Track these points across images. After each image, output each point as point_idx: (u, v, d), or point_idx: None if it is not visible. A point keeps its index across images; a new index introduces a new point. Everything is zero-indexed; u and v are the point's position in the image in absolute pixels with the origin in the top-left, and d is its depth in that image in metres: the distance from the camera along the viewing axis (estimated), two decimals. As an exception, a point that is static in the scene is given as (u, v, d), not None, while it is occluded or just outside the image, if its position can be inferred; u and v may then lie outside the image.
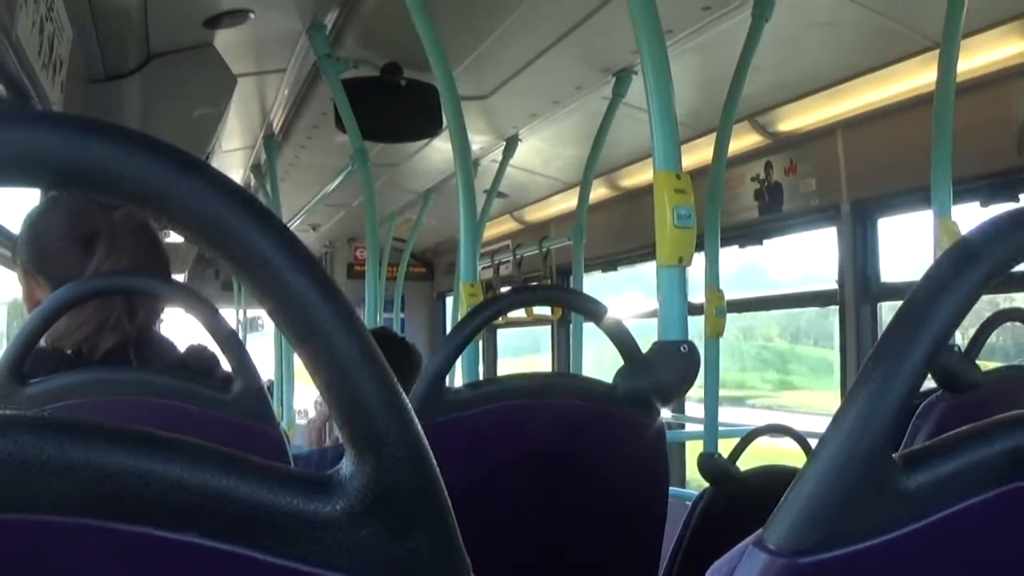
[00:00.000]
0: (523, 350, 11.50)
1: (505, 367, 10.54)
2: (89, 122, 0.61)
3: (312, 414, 13.29)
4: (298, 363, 8.91)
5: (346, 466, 0.65)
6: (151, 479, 0.60)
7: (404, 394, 0.66)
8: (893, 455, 0.78)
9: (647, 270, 8.07)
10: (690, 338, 2.33)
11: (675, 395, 2.31)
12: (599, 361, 7.25)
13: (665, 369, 2.24)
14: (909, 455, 0.79)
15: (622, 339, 2.26)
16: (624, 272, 8.28)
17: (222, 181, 0.63)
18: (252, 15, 4.70)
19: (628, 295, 8.65)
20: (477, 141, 6.29)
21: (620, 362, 2.27)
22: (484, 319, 2.24)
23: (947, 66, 3.37)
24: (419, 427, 0.66)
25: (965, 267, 0.77)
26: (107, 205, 2.18)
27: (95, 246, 2.15)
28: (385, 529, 0.64)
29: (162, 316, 2.36)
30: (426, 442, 0.66)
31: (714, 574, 0.82)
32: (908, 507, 0.78)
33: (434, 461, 0.66)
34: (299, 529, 0.63)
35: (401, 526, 0.64)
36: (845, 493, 0.76)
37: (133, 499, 0.60)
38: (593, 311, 2.29)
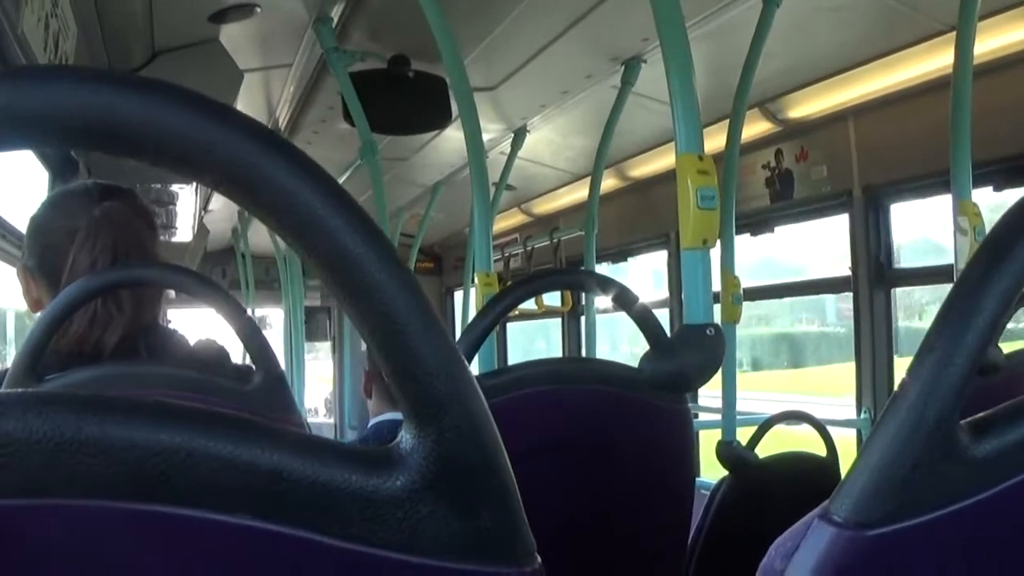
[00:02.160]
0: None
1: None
2: (118, 76, 0.58)
3: (323, 412, 13.36)
4: (308, 362, 8.94)
5: (406, 439, 0.62)
6: (199, 458, 0.58)
7: (466, 364, 0.63)
8: (960, 423, 0.76)
9: (647, 261, 8.09)
10: None
11: (702, 379, 2.28)
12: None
13: (691, 353, 2.21)
14: (975, 423, 0.78)
15: (649, 324, 2.23)
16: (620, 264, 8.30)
17: (291, 152, 0.61)
18: (258, 9, 4.69)
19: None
20: (485, 133, 6.28)
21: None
22: (508, 304, 2.22)
23: (964, 48, 3.34)
24: (482, 398, 0.63)
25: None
26: (95, 199, 2.17)
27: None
28: (448, 505, 0.61)
29: (164, 313, 2.34)
30: (489, 413, 0.63)
31: (778, 548, 0.80)
32: (976, 476, 0.76)
33: (498, 434, 0.64)
34: (358, 508, 0.60)
35: (465, 503, 0.62)
36: (912, 463, 0.74)
37: (180, 479, 0.57)
38: (622, 296, 2.26)
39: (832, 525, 0.76)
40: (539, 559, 0.65)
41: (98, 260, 2.10)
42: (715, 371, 2.26)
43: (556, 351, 9.46)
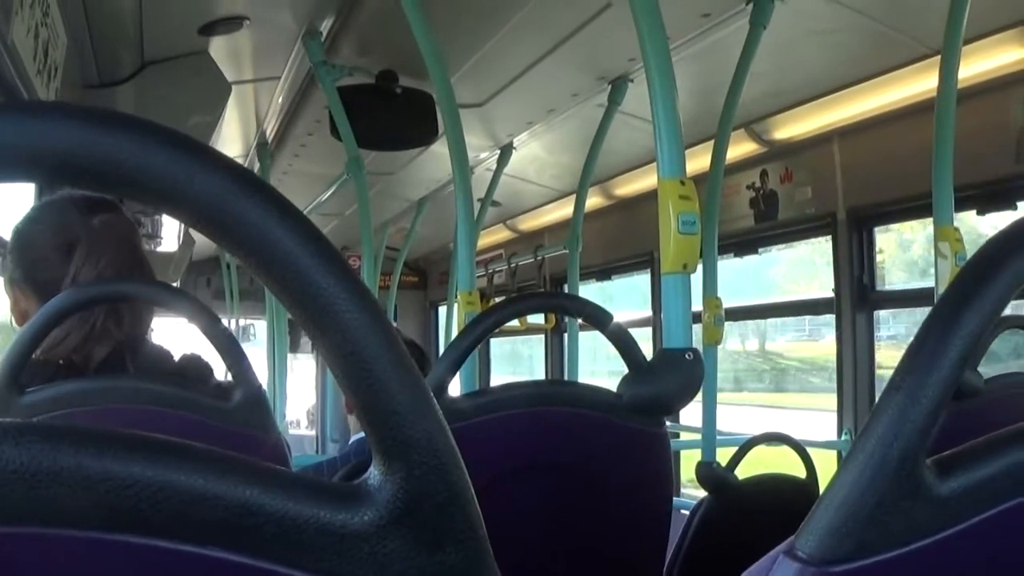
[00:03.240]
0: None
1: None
2: (95, 113, 0.59)
3: (304, 424, 13.32)
4: (290, 373, 8.92)
5: (374, 475, 0.63)
6: (172, 491, 0.58)
7: (434, 399, 0.64)
8: (926, 461, 0.77)
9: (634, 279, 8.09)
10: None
11: (680, 404, 2.29)
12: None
13: (671, 377, 2.22)
14: (941, 461, 0.78)
15: (627, 347, 2.24)
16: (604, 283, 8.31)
17: (254, 184, 0.61)
18: (247, 22, 4.68)
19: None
20: (472, 149, 6.28)
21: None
22: (488, 326, 2.23)
23: (948, 73, 3.36)
24: (450, 434, 0.64)
25: (992, 274, 0.76)
26: (87, 211, 2.17)
27: (74, 254, 2.14)
28: (415, 540, 0.62)
29: (152, 326, 2.34)
30: (457, 449, 0.64)
31: None
32: (941, 513, 0.77)
33: (465, 470, 0.64)
34: (326, 542, 0.60)
35: (431, 537, 0.62)
36: (878, 500, 0.75)
37: (153, 512, 0.58)
38: (599, 319, 2.27)
39: (796, 561, 0.76)
40: None
41: (103, 273, 2.11)
42: (693, 396, 2.26)
43: (540, 366, 9.47)
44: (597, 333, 2.29)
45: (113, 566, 0.59)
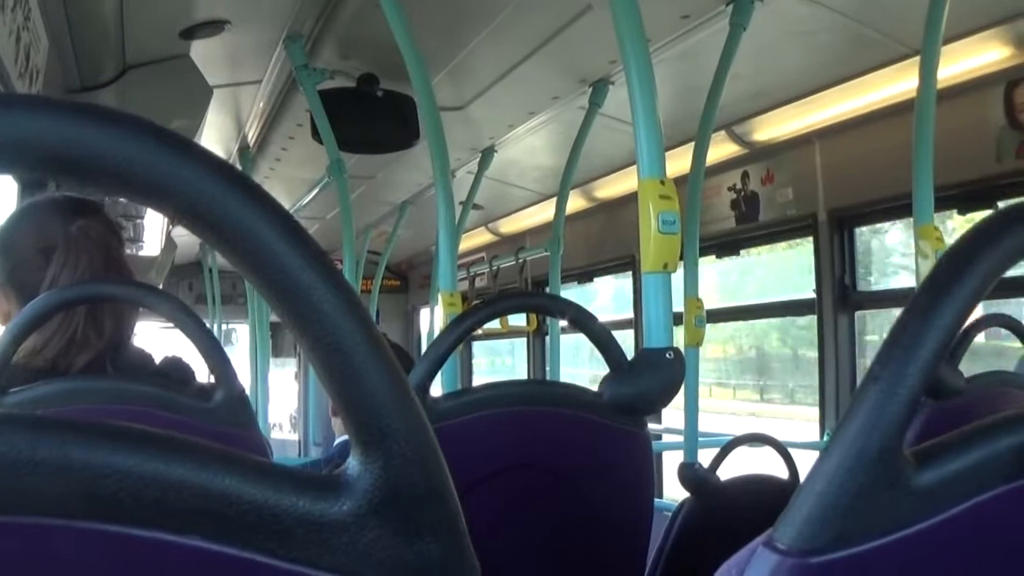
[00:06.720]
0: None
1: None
2: (81, 107, 0.59)
3: (287, 428, 13.29)
4: (272, 377, 8.91)
5: (353, 465, 0.63)
6: (151, 480, 0.58)
7: (412, 389, 0.64)
8: (904, 452, 0.77)
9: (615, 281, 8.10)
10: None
11: (661, 403, 2.29)
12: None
13: (651, 377, 2.22)
14: (919, 452, 0.79)
15: (608, 347, 2.24)
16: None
17: (238, 179, 0.61)
18: (228, 25, 4.67)
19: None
20: (453, 152, 6.28)
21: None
22: (470, 326, 2.23)
23: (927, 73, 3.38)
24: (428, 424, 0.64)
25: (968, 266, 0.77)
26: (68, 215, 2.17)
27: (52, 257, 2.13)
28: (394, 531, 0.62)
29: (135, 330, 2.34)
30: (436, 440, 0.64)
31: (723, 575, 0.81)
32: (919, 504, 0.77)
33: (443, 460, 0.65)
34: (305, 531, 0.61)
35: (410, 528, 0.63)
36: (856, 491, 0.75)
37: (132, 501, 0.58)
38: (580, 318, 2.27)
39: (776, 552, 0.76)
40: None
41: (82, 279, 2.11)
42: (674, 394, 2.26)
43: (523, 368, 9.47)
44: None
45: (94, 555, 0.59)
